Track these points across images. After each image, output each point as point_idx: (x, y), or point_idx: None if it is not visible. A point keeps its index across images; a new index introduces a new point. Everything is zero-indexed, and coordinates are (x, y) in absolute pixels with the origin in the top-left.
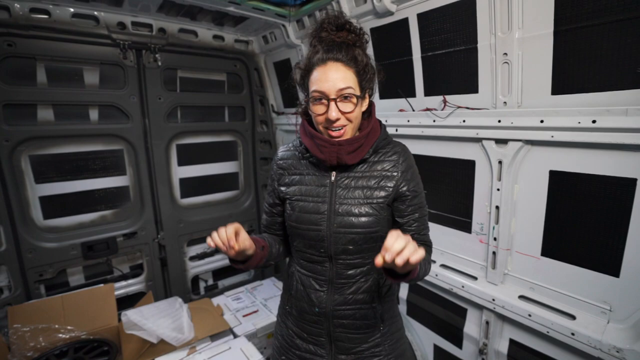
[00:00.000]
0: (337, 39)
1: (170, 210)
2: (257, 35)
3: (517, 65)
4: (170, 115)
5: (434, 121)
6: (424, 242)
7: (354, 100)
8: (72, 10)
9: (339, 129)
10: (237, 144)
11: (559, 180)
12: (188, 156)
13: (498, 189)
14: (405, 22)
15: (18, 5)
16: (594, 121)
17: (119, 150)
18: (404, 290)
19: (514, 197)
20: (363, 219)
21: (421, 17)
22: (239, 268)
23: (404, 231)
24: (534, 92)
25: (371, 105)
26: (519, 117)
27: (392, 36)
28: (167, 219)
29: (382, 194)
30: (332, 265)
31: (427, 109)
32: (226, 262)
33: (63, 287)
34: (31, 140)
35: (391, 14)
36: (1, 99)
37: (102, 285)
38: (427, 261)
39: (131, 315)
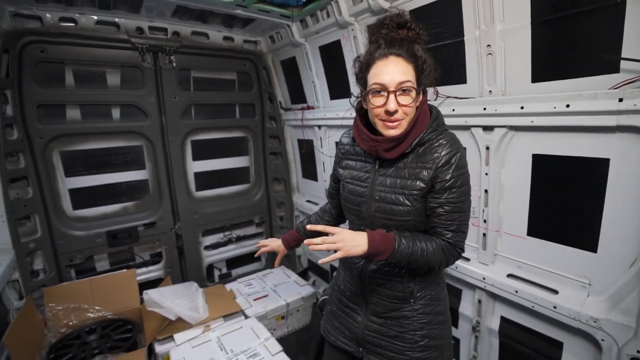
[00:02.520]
0: (397, 35)
1: (186, 202)
2: (265, 36)
3: (500, 56)
4: (185, 113)
5: None
6: (449, 241)
7: (412, 94)
8: (95, 17)
9: (395, 123)
10: (248, 140)
11: (541, 163)
12: (202, 151)
13: (486, 174)
14: None
15: (49, 15)
16: (567, 105)
17: (139, 146)
18: None
19: (501, 181)
20: (396, 207)
21: (413, 13)
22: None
23: (429, 222)
24: (516, 81)
25: (423, 100)
26: (502, 105)
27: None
28: (183, 210)
29: (419, 185)
30: None
31: None
32: (239, 251)
33: (91, 271)
34: (61, 137)
35: (385, 11)
36: (35, 100)
37: (125, 270)
38: (432, 255)
39: (152, 294)
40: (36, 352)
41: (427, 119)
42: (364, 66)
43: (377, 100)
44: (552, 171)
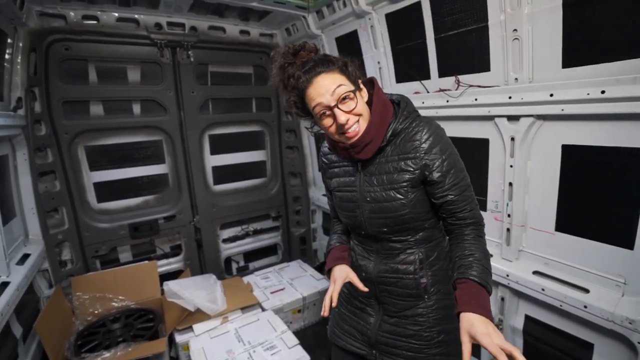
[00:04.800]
0: (302, 60)
1: (205, 195)
2: (280, 28)
3: (527, 41)
4: (203, 108)
5: (447, 101)
6: (472, 221)
7: (351, 95)
8: (116, 14)
9: (352, 129)
10: (264, 134)
11: (571, 154)
12: (219, 146)
13: (511, 166)
14: (418, 5)
15: (72, 14)
16: (603, 92)
17: (159, 141)
18: None
19: (527, 173)
20: (390, 204)
21: None
22: None
23: (444, 211)
24: (545, 67)
25: (374, 91)
26: (529, 93)
27: (407, 20)
28: (201, 203)
29: (405, 177)
30: (375, 241)
31: (441, 90)
32: (256, 245)
33: (115, 262)
34: (86, 133)
35: None
36: (61, 96)
37: (146, 262)
38: (485, 253)
39: (172, 285)
40: (65, 339)
41: (390, 108)
42: (299, 102)
43: (327, 122)
44: (584, 163)
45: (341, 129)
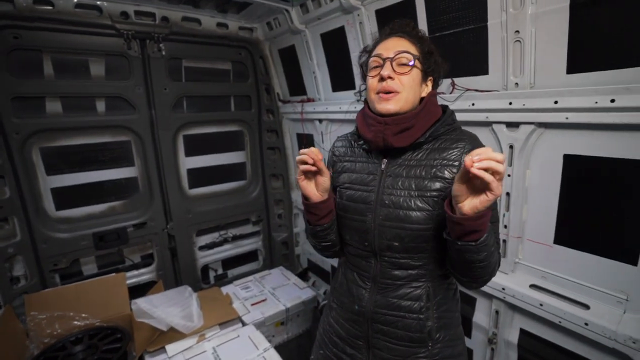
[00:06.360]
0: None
1: (179, 200)
2: (261, 22)
3: (529, 44)
4: (177, 106)
5: None
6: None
7: (413, 69)
8: (75, 0)
9: (391, 94)
10: (244, 134)
11: (574, 165)
12: (195, 147)
13: (509, 175)
14: (411, 1)
15: None
16: (612, 100)
17: (127, 142)
18: None
19: (525, 183)
20: (412, 213)
21: None
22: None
23: None
24: (548, 72)
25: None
26: (531, 99)
27: (399, 17)
28: (175, 209)
29: (437, 185)
30: (376, 262)
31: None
32: (235, 251)
33: (77, 276)
34: (41, 133)
35: None
36: (10, 91)
37: (114, 274)
38: (495, 255)
39: (141, 303)
40: None
41: (438, 111)
42: (369, 53)
43: (373, 72)
44: (588, 174)
45: (381, 81)
